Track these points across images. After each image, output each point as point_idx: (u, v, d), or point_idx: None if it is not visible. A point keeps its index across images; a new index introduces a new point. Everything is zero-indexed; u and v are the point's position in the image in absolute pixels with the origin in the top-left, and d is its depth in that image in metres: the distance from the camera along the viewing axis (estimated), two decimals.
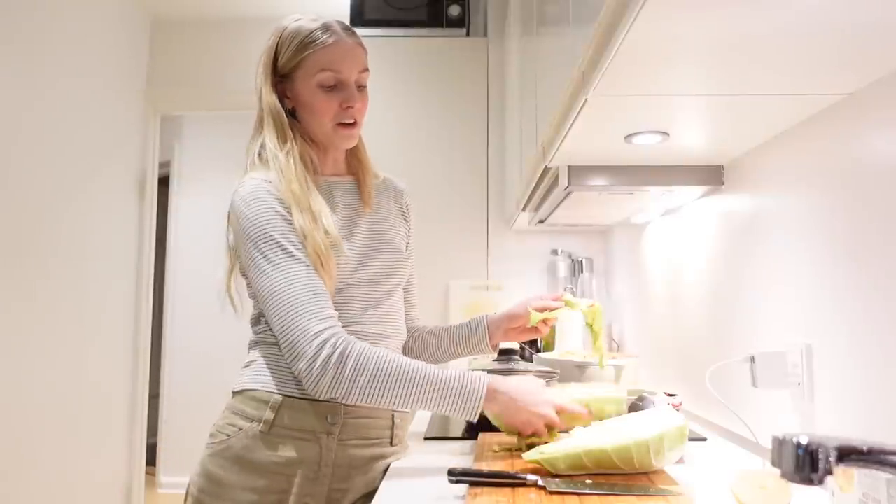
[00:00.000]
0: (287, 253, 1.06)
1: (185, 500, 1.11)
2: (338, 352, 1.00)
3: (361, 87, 1.18)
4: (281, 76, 1.17)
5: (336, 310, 1.09)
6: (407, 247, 1.30)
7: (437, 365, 1.07)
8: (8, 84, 2.25)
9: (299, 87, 1.15)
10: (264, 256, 1.06)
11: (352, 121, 1.17)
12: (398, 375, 1.02)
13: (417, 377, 1.02)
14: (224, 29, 3.20)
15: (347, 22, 1.66)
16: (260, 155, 1.16)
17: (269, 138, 1.15)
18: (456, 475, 0.96)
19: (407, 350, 1.32)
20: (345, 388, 1.01)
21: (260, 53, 1.19)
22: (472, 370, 1.13)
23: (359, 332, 1.12)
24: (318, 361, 1.00)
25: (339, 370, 1.00)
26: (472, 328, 1.31)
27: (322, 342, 1.00)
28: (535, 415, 1.06)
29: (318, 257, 1.06)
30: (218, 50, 3.20)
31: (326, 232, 1.09)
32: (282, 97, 1.18)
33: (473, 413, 1.03)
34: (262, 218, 1.07)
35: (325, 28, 1.15)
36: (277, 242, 1.06)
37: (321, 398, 1.04)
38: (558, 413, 1.09)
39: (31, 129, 2.38)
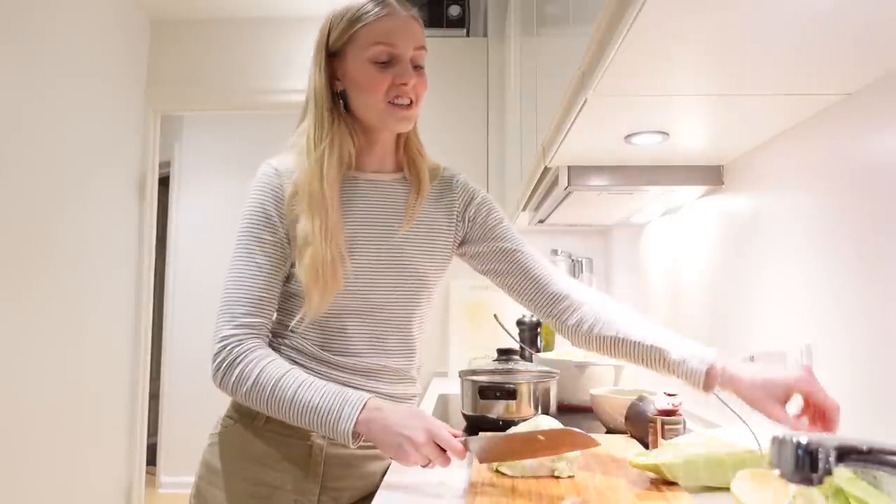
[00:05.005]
0: (248, 252, 1.05)
1: (192, 488, 1.14)
2: (230, 358, 1.01)
3: (418, 67, 1.10)
4: (332, 54, 1.10)
5: (332, 329, 1.08)
6: (449, 252, 1.18)
7: (322, 382, 1.00)
8: (8, 84, 2.25)
9: (350, 65, 1.08)
10: (234, 246, 1.07)
11: (407, 101, 1.08)
12: (273, 393, 0.99)
13: (290, 398, 0.98)
14: (224, 29, 3.20)
15: None
16: (297, 144, 1.10)
17: (311, 128, 1.09)
18: None
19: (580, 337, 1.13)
20: (231, 393, 1.03)
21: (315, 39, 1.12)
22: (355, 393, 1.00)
23: (352, 364, 1.09)
24: (215, 363, 1.02)
25: (226, 375, 1.02)
26: (684, 370, 1.02)
27: (224, 346, 1.02)
28: (401, 436, 0.93)
29: (315, 269, 1.02)
30: (218, 50, 3.20)
31: (339, 248, 1.04)
32: (332, 79, 1.10)
33: (344, 438, 0.96)
34: (248, 210, 1.08)
35: (379, 0, 1.08)
36: (246, 239, 1.06)
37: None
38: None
39: (31, 129, 2.38)
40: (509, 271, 1.17)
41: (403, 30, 1.07)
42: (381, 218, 1.12)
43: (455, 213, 1.19)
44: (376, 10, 1.06)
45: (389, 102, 1.07)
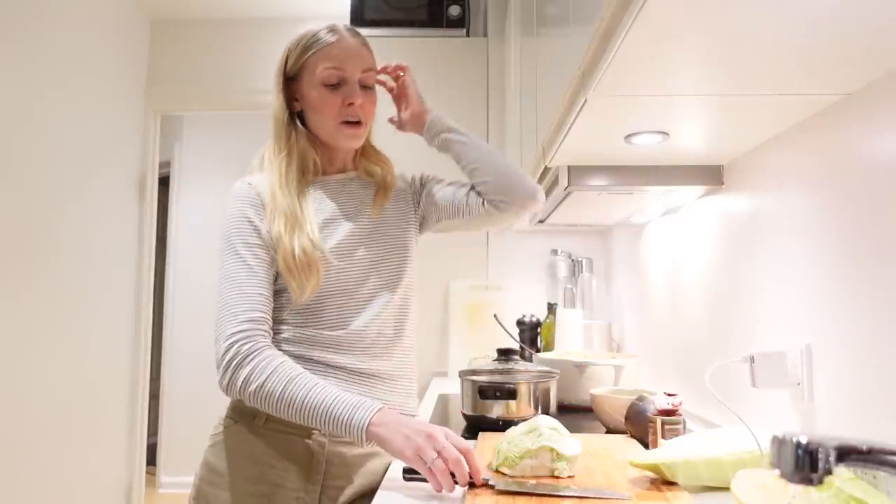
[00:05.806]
0: (238, 255, 1.11)
1: (191, 490, 1.15)
2: (239, 356, 1.03)
3: (367, 88, 1.20)
4: (289, 79, 1.21)
5: (324, 312, 1.12)
6: (415, 236, 1.29)
7: (335, 386, 1.03)
8: (8, 84, 2.25)
9: (305, 88, 1.19)
10: (222, 256, 1.12)
11: (356, 119, 1.18)
12: (284, 393, 1.01)
13: (303, 398, 1.00)
14: (224, 29, 3.20)
15: (348, 22, 1.67)
16: (261, 159, 1.23)
17: (272, 143, 1.21)
18: (409, 472, 0.98)
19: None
20: (238, 392, 1.04)
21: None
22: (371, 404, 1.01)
23: (349, 339, 1.13)
24: (223, 362, 1.04)
25: (234, 374, 1.03)
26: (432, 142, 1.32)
27: (231, 344, 1.04)
28: (414, 431, 0.96)
29: (287, 265, 1.09)
30: (218, 50, 3.20)
31: (310, 240, 1.11)
32: (291, 100, 1.22)
33: (358, 434, 0.98)
34: (230, 221, 1.14)
35: (330, 29, 1.19)
36: (233, 245, 1.11)
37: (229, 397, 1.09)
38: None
39: (32, 130, 2.38)
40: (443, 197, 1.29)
41: (351, 54, 1.18)
42: (352, 208, 1.21)
43: (412, 185, 1.33)
44: (327, 37, 1.18)
45: (341, 122, 1.18)
